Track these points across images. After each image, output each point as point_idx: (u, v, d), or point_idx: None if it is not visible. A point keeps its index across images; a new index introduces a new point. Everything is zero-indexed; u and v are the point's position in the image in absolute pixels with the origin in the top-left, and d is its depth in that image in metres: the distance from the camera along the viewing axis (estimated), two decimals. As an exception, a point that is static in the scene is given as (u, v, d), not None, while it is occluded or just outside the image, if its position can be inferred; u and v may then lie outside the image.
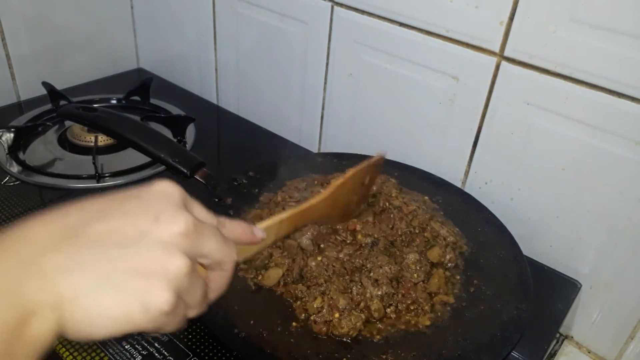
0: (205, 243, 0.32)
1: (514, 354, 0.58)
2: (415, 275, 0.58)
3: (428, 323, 0.55)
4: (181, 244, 0.30)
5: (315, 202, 0.49)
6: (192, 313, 0.33)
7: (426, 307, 0.55)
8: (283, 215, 0.43)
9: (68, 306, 0.27)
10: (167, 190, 0.32)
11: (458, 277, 0.61)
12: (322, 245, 0.61)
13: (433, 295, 0.58)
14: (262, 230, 0.39)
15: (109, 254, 0.29)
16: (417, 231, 0.64)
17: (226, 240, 0.34)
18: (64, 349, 0.53)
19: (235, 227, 0.37)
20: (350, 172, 0.55)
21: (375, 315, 0.54)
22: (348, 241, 0.61)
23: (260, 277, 0.58)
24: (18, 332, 0.26)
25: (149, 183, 0.33)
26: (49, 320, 0.27)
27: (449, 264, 0.61)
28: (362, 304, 0.55)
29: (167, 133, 0.90)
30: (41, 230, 0.29)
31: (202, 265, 0.33)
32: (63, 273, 0.28)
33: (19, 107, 0.99)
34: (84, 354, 0.53)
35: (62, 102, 0.93)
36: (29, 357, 0.27)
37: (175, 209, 0.31)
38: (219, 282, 0.35)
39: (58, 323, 0.27)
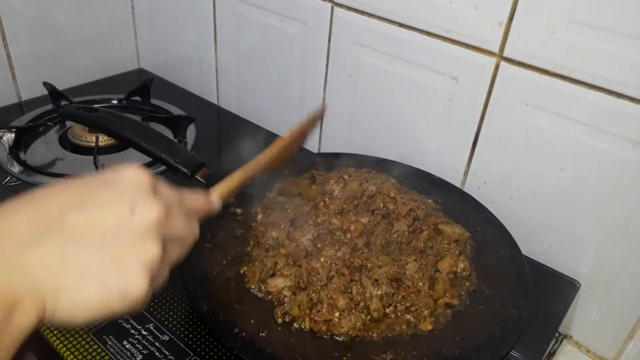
0: (173, 226, 0.34)
1: (513, 353, 0.58)
2: (420, 283, 0.58)
3: (430, 327, 0.55)
4: (154, 231, 0.32)
5: (263, 159, 0.54)
6: (157, 288, 0.35)
7: (425, 313, 0.55)
8: (235, 179, 0.48)
9: (50, 299, 0.29)
10: (137, 177, 0.33)
11: (467, 283, 0.60)
12: (319, 245, 0.61)
13: (437, 299, 0.58)
14: (218, 198, 0.43)
15: (89, 247, 0.30)
16: (416, 229, 0.65)
17: (190, 218, 0.37)
18: (64, 349, 0.53)
19: (195, 200, 0.39)
20: (295, 128, 0.62)
21: (375, 314, 0.55)
22: (345, 240, 0.61)
23: (263, 286, 0.58)
24: (4, 323, 0.28)
25: (117, 168, 0.34)
26: (31, 312, 0.29)
27: (464, 273, 0.61)
28: (361, 304, 0.55)
29: (168, 133, 0.90)
30: (22, 222, 0.30)
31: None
32: (46, 268, 0.29)
33: (20, 107, 0.99)
34: (85, 354, 0.53)
35: (63, 103, 0.94)
36: (12, 344, 0.29)
37: (147, 198, 0.32)
38: (178, 254, 0.37)
39: (40, 313, 0.29)
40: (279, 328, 0.54)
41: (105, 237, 0.31)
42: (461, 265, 0.61)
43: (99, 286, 0.30)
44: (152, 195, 0.33)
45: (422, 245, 0.63)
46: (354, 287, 0.56)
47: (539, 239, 0.72)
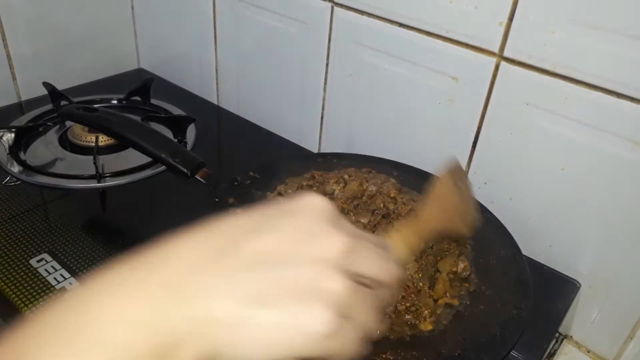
0: (362, 261, 0.29)
1: (514, 353, 0.58)
2: (420, 283, 0.58)
3: (430, 328, 0.54)
4: (338, 263, 0.28)
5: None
6: (366, 334, 0.30)
7: (425, 313, 0.55)
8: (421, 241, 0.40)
9: (220, 332, 0.25)
10: (319, 205, 0.30)
11: (467, 283, 0.60)
12: None
13: (438, 299, 0.57)
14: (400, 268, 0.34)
15: (263, 274, 0.26)
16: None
17: (384, 257, 0.31)
18: (65, 349, 0.53)
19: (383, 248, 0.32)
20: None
21: (375, 314, 0.54)
22: None
23: None
24: None
25: (297, 196, 0.31)
26: (196, 351, 0.25)
27: (464, 274, 0.60)
28: (361, 304, 0.55)
29: (168, 133, 0.90)
30: (185, 249, 0.27)
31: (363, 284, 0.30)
32: (214, 296, 0.26)
33: (20, 107, 0.99)
34: (85, 354, 0.53)
35: (62, 102, 0.94)
36: None
37: (329, 227, 0.29)
38: (382, 300, 0.31)
39: (208, 351, 0.25)
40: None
41: (282, 265, 0.27)
42: (461, 266, 0.61)
43: (273, 315, 0.26)
44: (334, 226, 0.29)
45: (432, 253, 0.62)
46: (354, 287, 0.56)
47: (539, 239, 0.72)
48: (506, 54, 0.65)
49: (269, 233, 0.28)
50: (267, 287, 0.26)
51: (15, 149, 0.82)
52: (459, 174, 0.51)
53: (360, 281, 0.29)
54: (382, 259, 0.31)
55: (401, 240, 0.38)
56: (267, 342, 0.26)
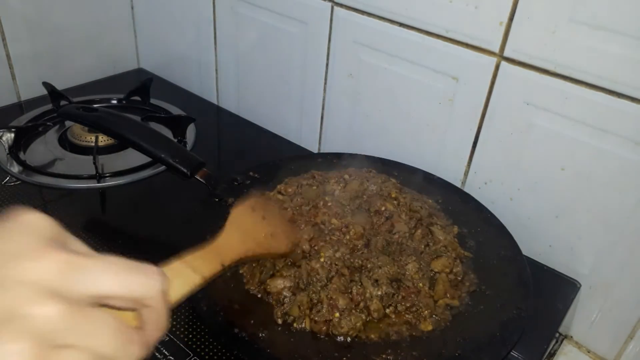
0: (94, 280, 0.25)
1: (514, 353, 0.58)
2: (420, 284, 0.58)
3: (430, 328, 0.54)
4: (49, 285, 0.24)
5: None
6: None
7: (425, 313, 0.55)
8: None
9: None
10: (32, 222, 0.26)
11: (467, 283, 0.60)
12: (316, 247, 0.61)
13: (438, 300, 0.57)
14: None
15: None
16: (414, 232, 0.64)
17: (127, 273, 0.27)
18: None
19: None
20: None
21: (375, 315, 0.54)
22: (344, 241, 0.61)
23: (263, 287, 0.58)
24: None
25: (9, 213, 0.27)
26: None
27: (458, 277, 0.60)
28: (361, 304, 0.55)
29: (168, 133, 0.90)
30: None
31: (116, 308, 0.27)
32: None
33: (20, 107, 0.99)
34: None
35: (62, 102, 0.93)
36: None
37: (42, 246, 0.25)
38: (151, 321, 0.28)
39: None
40: (279, 328, 0.54)
41: None
42: (455, 270, 0.60)
43: None
44: (53, 242, 0.25)
45: (422, 247, 0.62)
46: (354, 288, 0.56)
47: (539, 239, 0.72)
48: (506, 54, 0.65)
49: None
50: None
51: (15, 149, 0.82)
52: (261, 202, 0.52)
53: (102, 302, 0.26)
54: (125, 274, 0.26)
55: (184, 266, 0.35)
56: None
